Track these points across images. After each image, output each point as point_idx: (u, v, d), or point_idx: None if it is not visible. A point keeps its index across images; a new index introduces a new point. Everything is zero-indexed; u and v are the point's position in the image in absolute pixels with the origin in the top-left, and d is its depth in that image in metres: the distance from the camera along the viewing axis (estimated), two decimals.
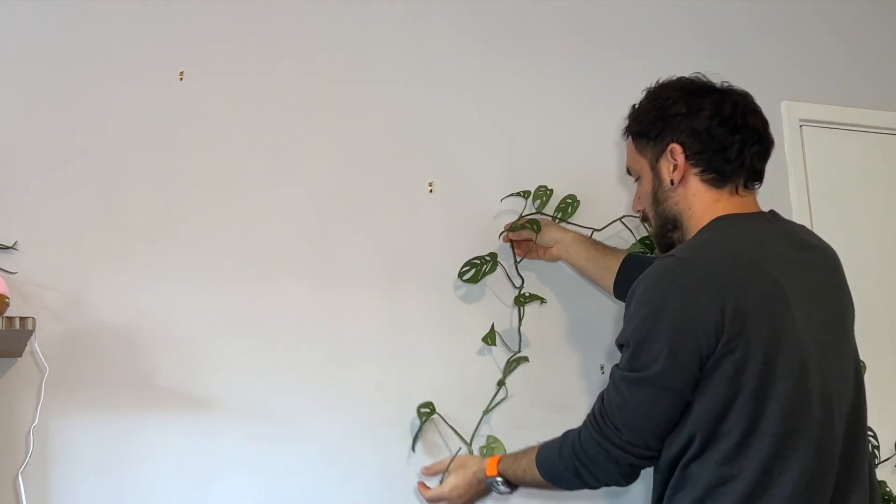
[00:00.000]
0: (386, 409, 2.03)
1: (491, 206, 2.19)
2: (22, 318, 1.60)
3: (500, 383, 2.09)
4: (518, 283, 2.16)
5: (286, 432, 1.96)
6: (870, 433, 2.23)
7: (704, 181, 1.64)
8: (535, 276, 2.21)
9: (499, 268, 2.15)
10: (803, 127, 2.60)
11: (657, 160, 1.68)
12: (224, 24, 2.08)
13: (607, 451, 1.55)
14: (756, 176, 1.66)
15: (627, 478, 1.59)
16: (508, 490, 1.81)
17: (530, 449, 1.74)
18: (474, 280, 2.12)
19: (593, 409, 1.60)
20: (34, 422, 1.76)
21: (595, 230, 2.21)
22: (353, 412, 2.01)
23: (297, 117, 2.10)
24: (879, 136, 2.70)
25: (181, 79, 2.02)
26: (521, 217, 2.16)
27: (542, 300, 2.16)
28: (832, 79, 2.66)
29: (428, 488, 1.94)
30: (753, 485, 1.45)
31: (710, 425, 1.48)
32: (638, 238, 2.22)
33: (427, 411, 2.01)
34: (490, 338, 2.08)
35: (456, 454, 1.96)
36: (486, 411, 2.07)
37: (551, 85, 2.33)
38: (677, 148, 1.64)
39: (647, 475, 1.63)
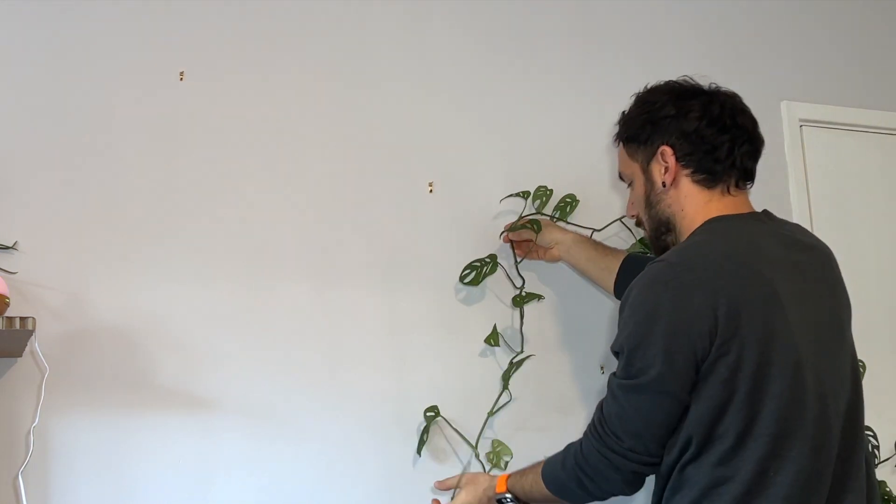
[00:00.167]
0: (387, 410, 2.03)
1: (491, 205, 2.20)
2: (22, 318, 1.60)
3: (504, 385, 2.08)
4: (518, 283, 2.16)
5: (286, 432, 1.96)
6: (870, 433, 2.24)
7: (696, 182, 1.64)
8: (535, 277, 2.21)
9: (500, 269, 2.15)
10: (803, 127, 2.60)
11: (648, 163, 1.69)
12: (224, 24, 2.08)
13: (609, 460, 1.55)
14: (747, 175, 1.67)
15: (631, 486, 1.59)
16: None
17: (536, 464, 1.74)
18: (475, 282, 2.12)
19: (593, 419, 1.60)
20: (34, 422, 1.77)
21: (595, 230, 2.21)
22: (353, 413, 2.01)
23: (298, 117, 2.10)
24: (879, 136, 2.70)
25: (181, 79, 2.02)
26: (520, 217, 2.16)
27: (540, 297, 2.16)
28: (832, 79, 2.66)
29: None
30: (749, 485, 1.45)
31: (706, 427, 1.48)
32: (638, 238, 2.22)
33: (432, 414, 2.01)
34: (493, 339, 2.08)
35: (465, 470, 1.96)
36: (491, 414, 2.07)
37: (551, 85, 2.33)
38: (667, 150, 1.65)
39: (647, 481, 1.63)
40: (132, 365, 1.88)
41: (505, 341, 2.13)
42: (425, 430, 2.01)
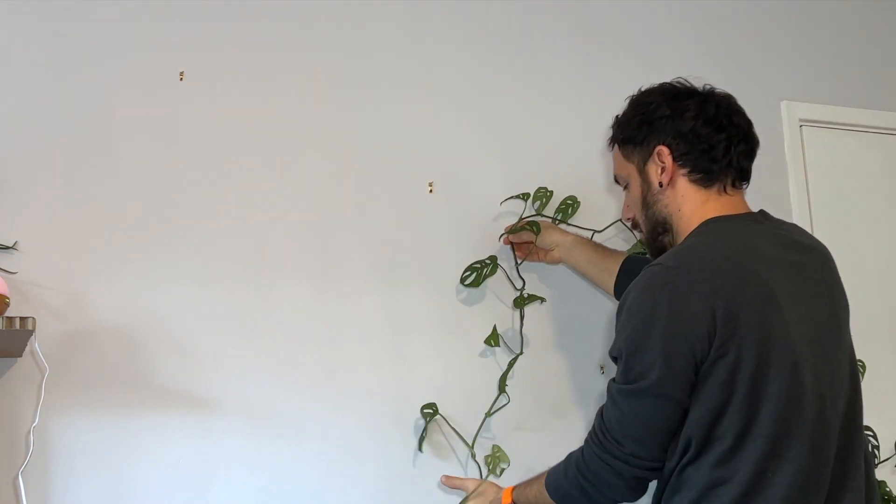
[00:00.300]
0: (387, 410, 2.03)
1: (491, 206, 2.19)
2: (22, 318, 1.60)
3: (501, 389, 2.08)
4: (519, 285, 2.16)
5: (286, 432, 1.96)
6: (870, 433, 2.24)
7: (693, 182, 1.65)
8: (536, 278, 2.21)
9: (500, 270, 2.15)
10: (803, 127, 2.60)
11: (645, 164, 1.69)
12: (224, 24, 2.08)
13: (610, 466, 1.55)
14: (743, 175, 1.67)
15: (634, 491, 1.58)
16: None
17: (540, 474, 1.74)
18: (475, 284, 2.12)
19: (593, 426, 1.60)
20: (34, 422, 1.77)
21: (595, 231, 2.21)
22: (353, 413, 2.01)
23: (298, 117, 2.10)
24: (879, 136, 2.70)
25: (181, 79, 2.02)
26: (520, 219, 2.16)
27: (542, 300, 2.16)
28: (832, 79, 2.66)
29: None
30: (748, 486, 1.45)
31: (705, 429, 1.48)
32: (638, 239, 2.22)
33: (430, 412, 2.01)
34: (493, 339, 2.08)
35: (480, 483, 1.95)
36: (489, 414, 2.07)
37: (551, 85, 2.33)
38: (664, 150, 1.65)
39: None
40: (132, 365, 1.88)
41: (505, 342, 2.13)
42: (424, 428, 2.01)
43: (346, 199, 2.10)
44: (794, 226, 1.75)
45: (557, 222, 2.19)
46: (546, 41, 2.35)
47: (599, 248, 2.10)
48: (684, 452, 1.50)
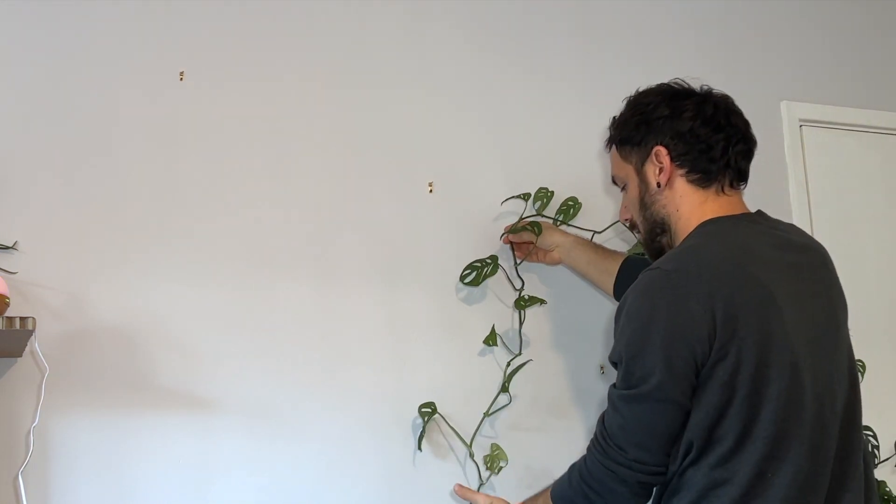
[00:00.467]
0: (387, 410, 2.04)
1: (491, 206, 2.19)
2: (22, 318, 1.59)
3: (504, 389, 2.08)
4: (518, 285, 2.16)
5: (286, 432, 1.96)
6: (870, 433, 2.25)
7: (691, 182, 1.65)
8: (535, 278, 2.21)
9: (500, 269, 2.15)
10: (803, 127, 2.60)
11: (642, 165, 1.69)
12: (224, 25, 2.08)
13: (614, 472, 1.54)
14: (741, 175, 1.67)
15: (638, 497, 1.57)
16: None
17: (547, 487, 1.73)
18: (475, 283, 2.12)
19: (595, 433, 1.59)
20: (34, 422, 1.77)
21: (596, 232, 2.21)
22: (353, 413, 2.01)
23: (298, 117, 2.10)
24: (879, 136, 2.70)
25: (181, 79, 2.02)
26: (521, 219, 2.16)
27: (543, 302, 2.16)
28: (832, 79, 2.66)
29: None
30: (747, 487, 1.45)
31: (706, 431, 1.48)
32: (637, 240, 2.22)
33: (428, 411, 2.01)
34: (491, 339, 2.08)
35: (492, 500, 1.95)
36: (487, 414, 2.07)
37: (552, 87, 2.33)
38: (662, 150, 1.65)
39: None
40: (132, 365, 1.88)
41: (504, 342, 2.13)
42: (423, 428, 2.01)
43: (346, 199, 2.10)
44: (792, 226, 1.74)
45: (559, 223, 2.19)
46: (546, 41, 2.35)
47: (599, 249, 2.10)
48: (685, 455, 1.50)
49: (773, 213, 1.73)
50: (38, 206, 1.88)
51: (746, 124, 1.69)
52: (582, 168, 2.29)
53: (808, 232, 2.34)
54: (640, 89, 1.75)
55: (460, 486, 1.97)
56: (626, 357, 1.53)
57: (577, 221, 2.20)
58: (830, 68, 2.67)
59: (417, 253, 2.13)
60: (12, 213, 1.85)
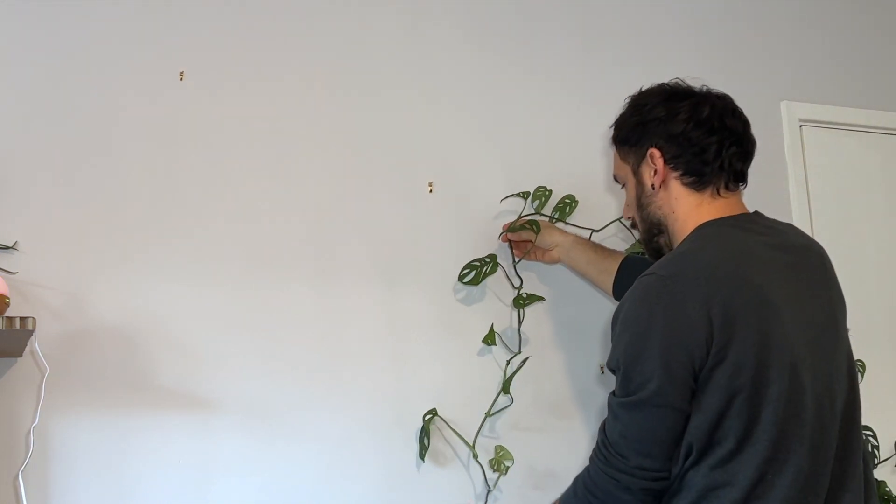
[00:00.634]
0: (386, 410, 2.04)
1: (491, 206, 2.20)
2: (22, 318, 1.59)
3: (506, 390, 2.08)
4: (517, 283, 2.16)
5: (286, 432, 1.96)
6: (870, 433, 2.25)
7: (685, 185, 1.64)
8: (534, 277, 2.21)
9: (499, 269, 2.15)
10: (803, 127, 2.60)
11: (639, 166, 1.69)
12: (224, 25, 2.08)
13: (617, 480, 1.53)
14: (737, 177, 1.66)
15: None
16: None
17: (554, 502, 1.72)
18: (474, 282, 2.12)
19: (597, 443, 1.59)
20: (34, 422, 1.77)
21: (593, 231, 2.21)
22: (353, 412, 2.01)
23: (298, 117, 2.10)
24: (879, 136, 2.70)
25: (181, 79, 2.02)
26: (520, 217, 2.16)
27: (541, 299, 2.16)
28: (832, 79, 2.66)
29: None
30: (748, 489, 1.45)
31: (706, 434, 1.48)
32: (637, 238, 2.22)
33: (429, 417, 2.01)
34: (490, 338, 2.08)
35: None
36: (488, 415, 2.07)
37: (550, 86, 2.33)
38: (655, 153, 1.65)
39: None
40: (132, 365, 1.88)
41: (503, 341, 2.13)
42: (427, 436, 2.01)
43: (346, 199, 2.10)
44: (790, 225, 1.74)
45: (555, 221, 2.19)
46: (546, 41, 2.35)
47: (598, 248, 2.10)
48: (686, 457, 1.50)
49: (773, 213, 1.73)
50: (38, 206, 1.88)
51: (745, 125, 1.68)
52: (581, 167, 2.29)
53: (808, 232, 2.35)
54: (643, 88, 1.74)
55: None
56: (624, 364, 1.52)
57: (575, 220, 2.21)
58: (830, 68, 2.67)
59: (417, 253, 2.13)
60: (12, 213, 1.85)
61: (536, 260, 2.17)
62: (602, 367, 2.21)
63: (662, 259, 1.62)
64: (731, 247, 1.57)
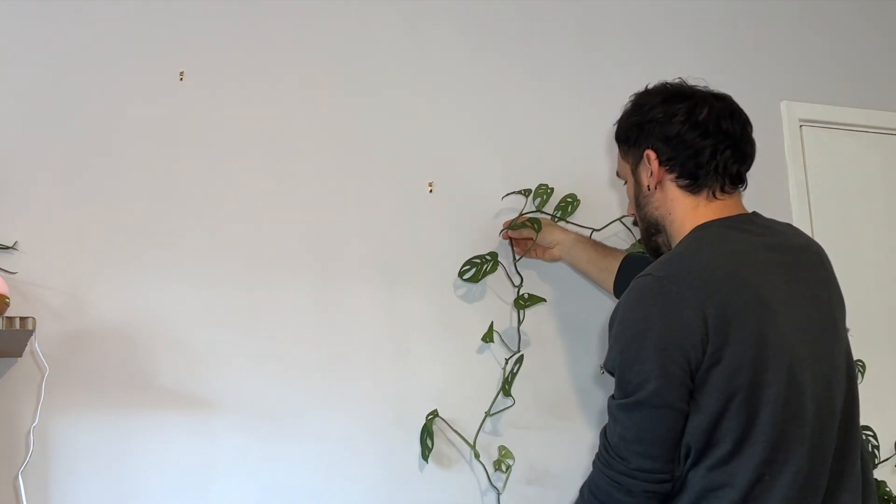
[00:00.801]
0: (387, 410, 2.04)
1: (491, 205, 2.20)
2: (22, 318, 1.59)
3: (506, 392, 2.08)
4: (517, 281, 2.16)
5: (286, 432, 1.96)
6: (870, 433, 2.25)
7: (681, 187, 1.64)
8: (535, 275, 2.21)
9: (499, 267, 2.15)
10: (803, 127, 2.60)
11: (636, 166, 1.70)
12: (224, 25, 2.08)
13: (619, 483, 1.52)
14: (734, 179, 1.65)
15: None
16: None
17: None
18: (475, 279, 2.12)
19: (599, 447, 1.59)
20: (34, 422, 1.77)
21: (594, 230, 2.21)
22: (353, 412, 2.01)
23: (298, 117, 2.10)
24: (879, 136, 2.70)
25: (181, 79, 2.02)
26: (521, 215, 2.16)
27: (542, 300, 2.16)
28: (832, 79, 2.66)
29: None
30: (747, 489, 1.44)
31: (705, 435, 1.48)
32: (637, 237, 2.22)
33: (430, 417, 2.01)
34: (488, 336, 2.08)
35: None
36: (488, 414, 2.07)
37: (551, 85, 2.33)
38: (651, 154, 1.65)
39: None
40: (132, 365, 1.88)
41: (503, 340, 2.13)
42: (430, 437, 2.01)
43: (346, 199, 2.10)
44: (788, 225, 1.74)
45: (556, 219, 2.19)
46: (546, 41, 2.36)
47: (599, 246, 2.10)
48: (685, 458, 1.50)
49: (773, 213, 1.73)
50: (38, 206, 1.88)
51: (743, 127, 1.66)
52: (582, 166, 2.29)
53: (808, 232, 2.35)
54: (648, 86, 1.73)
55: None
56: (622, 365, 1.52)
57: (576, 219, 2.21)
58: (830, 68, 2.67)
59: (417, 253, 2.13)
60: (12, 213, 1.85)
61: (537, 258, 2.17)
62: (602, 367, 2.21)
63: (659, 260, 1.62)
64: (727, 248, 1.57)
